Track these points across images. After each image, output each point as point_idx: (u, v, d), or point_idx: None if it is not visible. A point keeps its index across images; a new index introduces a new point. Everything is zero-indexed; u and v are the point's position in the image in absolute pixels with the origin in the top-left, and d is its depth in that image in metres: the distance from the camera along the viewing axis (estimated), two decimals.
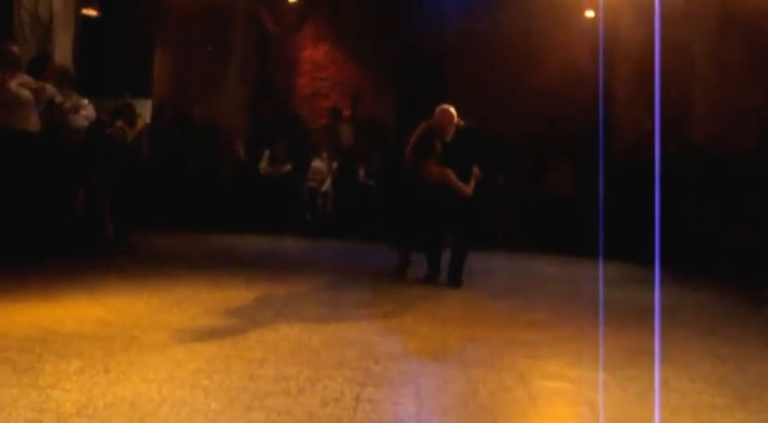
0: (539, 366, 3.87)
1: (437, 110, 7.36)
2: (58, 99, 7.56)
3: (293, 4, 14.24)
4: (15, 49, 7.42)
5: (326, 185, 12.07)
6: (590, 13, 13.02)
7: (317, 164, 12.30)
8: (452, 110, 7.38)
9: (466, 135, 7.42)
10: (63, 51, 8.93)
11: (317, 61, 14.85)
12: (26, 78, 7.24)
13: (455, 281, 7.18)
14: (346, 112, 13.45)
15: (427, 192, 7.50)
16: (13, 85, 7.07)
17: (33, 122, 7.20)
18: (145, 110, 12.74)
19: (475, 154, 7.47)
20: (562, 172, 12.08)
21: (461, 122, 7.44)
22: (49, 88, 7.38)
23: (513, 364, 3.87)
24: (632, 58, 11.57)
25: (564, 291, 7.31)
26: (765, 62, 9.79)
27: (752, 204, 9.22)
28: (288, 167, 12.29)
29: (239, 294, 5.74)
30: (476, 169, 7.35)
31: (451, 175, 7.21)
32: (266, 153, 12.43)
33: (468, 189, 7.26)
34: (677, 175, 9.47)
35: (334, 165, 12.15)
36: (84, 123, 7.92)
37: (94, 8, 12.05)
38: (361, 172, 12.07)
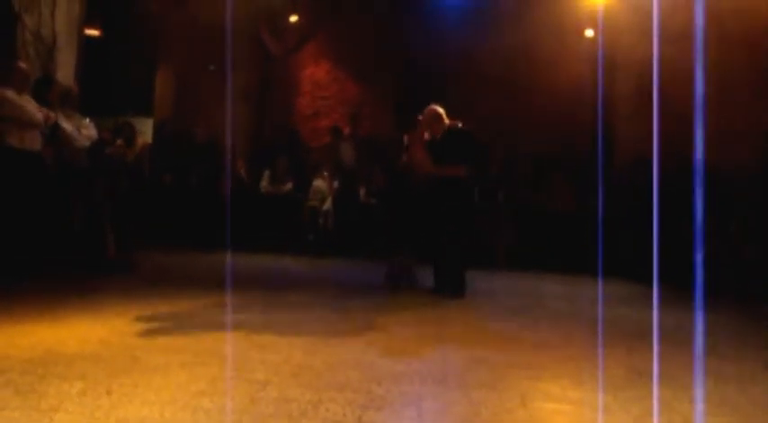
0: (540, 388, 3.87)
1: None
2: (64, 124, 7.63)
3: (294, 23, 14.33)
4: (24, 66, 7.50)
5: (327, 204, 12.09)
6: (589, 32, 13.10)
7: (318, 183, 12.33)
8: (439, 109, 7.79)
9: (454, 135, 7.78)
10: (66, 71, 8.99)
11: (317, 80, 14.92)
12: (33, 102, 7.31)
13: (455, 290, 7.49)
14: (346, 131, 13.48)
15: (421, 193, 7.94)
16: (31, 106, 7.15)
17: (37, 143, 7.27)
18: (146, 128, 12.79)
19: (461, 152, 7.71)
20: (563, 189, 12.11)
21: (451, 123, 7.81)
22: (53, 116, 7.44)
23: (515, 385, 3.87)
24: (632, 76, 11.63)
25: (565, 310, 7.30)
26: (764, 80, 9.85)
27: (753, 222, 9.25)
28: (288, 186, 12.32)
29: (241, 314, 5.74)
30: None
31: (428, 159, 7.73)
32: (266, 172, 12.47)
33: (443, 170, 7.63)
34: (677, 192, 9.49)
35: (335, 184, 12.17)
36: (86, 143, 7.96)
37: (97, 27, 12.14)
38: (362, 191, 12.10)
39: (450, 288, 7.53)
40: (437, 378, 3.95)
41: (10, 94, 7.07)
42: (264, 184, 12.45)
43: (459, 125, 7.91)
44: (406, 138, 8.21)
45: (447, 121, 7.86)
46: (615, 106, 12.33)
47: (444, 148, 7.74)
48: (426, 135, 7.94)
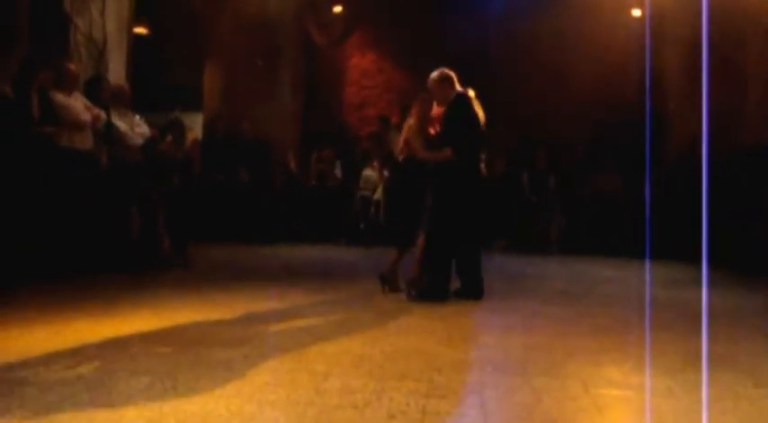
0: (602, 374, 3.85)
1: None
2: (117, 123, 7.76)
3: (339, 14, 14.36)
4: (72, 67, 7.67)
5: (378, 194, 12.11)
6: (636, 12, 12.92)
7: (368, 173, 12.39)
8: (446, 72, 6.35)
9: (452, 107, 6.33)
10: (117, 70, 9.13)
11: (364, 70, 14.94)
12: (84, 100, 7.47)
13: (463, 292, 6.47)
14: (394, 120, 13.45)
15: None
16: (80, 106, 7.31)
17: (88, 142, 7.43)
18: (196, 123, 12.92)
19: (451, 130, 6.28)
20: (611, 173, 11.98)
21: (460, 90, 6.37)
22: (103, 115, 7.58)
23: (576, 372, 3.86)
24: (681, 57, 11.45)
25: (620, 294, 7.25)
26: None
27: None
28: (336, 176, 12.44)
29: (297, 306, 5.79)
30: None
31: (418, 142, 6.33)
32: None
33: (431, 156, 6.29)
34: (729, 175, 9.36)
35: (386, 173, 12.18)
36: (140, 141, 8.08)
37: (145, 26, 12.34)
38: None
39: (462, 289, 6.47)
40: (497, 366, 3.95)
41: (59, 96, 7.22)
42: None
43: (470, 93, 6.43)
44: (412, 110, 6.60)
45: (457, 87, 6.36)
46: (665, 87, 12.16)
47: (442, 124, 6.35)
48: (435, 108, 6.50)
